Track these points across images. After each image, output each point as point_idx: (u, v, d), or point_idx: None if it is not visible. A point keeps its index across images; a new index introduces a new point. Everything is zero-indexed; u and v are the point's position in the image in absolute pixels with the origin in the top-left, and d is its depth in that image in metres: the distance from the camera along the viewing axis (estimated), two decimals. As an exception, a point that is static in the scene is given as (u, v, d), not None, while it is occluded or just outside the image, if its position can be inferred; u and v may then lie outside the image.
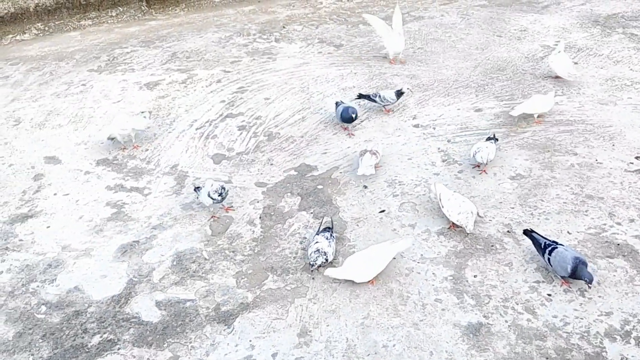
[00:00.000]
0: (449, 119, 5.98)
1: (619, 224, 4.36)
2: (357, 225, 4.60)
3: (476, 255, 4.20)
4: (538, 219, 4.49)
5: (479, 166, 5.05)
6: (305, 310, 3.86)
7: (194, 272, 4.22)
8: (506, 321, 3.65)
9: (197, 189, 4.75)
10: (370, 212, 4.73)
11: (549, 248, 3.90)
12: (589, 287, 3.76)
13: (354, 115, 5.62)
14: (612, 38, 7.48)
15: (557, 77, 6.50)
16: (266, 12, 9.48)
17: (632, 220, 4.38)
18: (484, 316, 3.71)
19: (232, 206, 4.85)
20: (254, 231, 4.62)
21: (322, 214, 4.75)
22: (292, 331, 3.71)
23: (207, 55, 7.87)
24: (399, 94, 6.04)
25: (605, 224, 4.37)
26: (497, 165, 5.16)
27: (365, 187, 5.04)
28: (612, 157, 5.14)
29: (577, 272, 3.70)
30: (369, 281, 3.98)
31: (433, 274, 4.08)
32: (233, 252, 4.41)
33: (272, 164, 5.45)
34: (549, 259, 3.89)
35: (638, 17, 8.08)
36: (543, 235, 4.06)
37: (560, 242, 3.99)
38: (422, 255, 4.25)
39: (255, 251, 4.40)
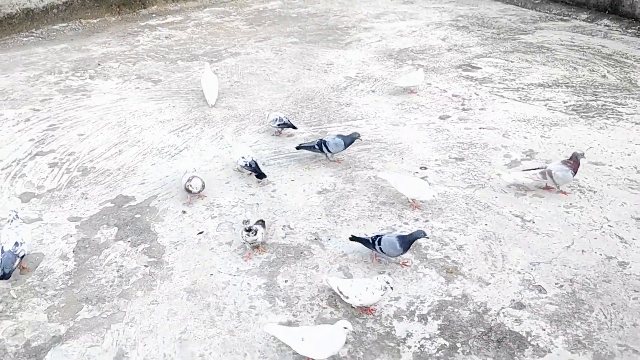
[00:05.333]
0: (264, 145, 6.40)
1: (406, 223, 5.04)
2: (176, 249, 4.73)
3: (287, 263, 4.57)
4: (340, 225, 5.02)
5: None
6: (122, 334, 3.89)
7: (1, 312, 4.02)
8: (312, 316, 4.04)
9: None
10: (189, 235, 4.90)
11: (377, 239, 4.37)
12: (427, 237, 4.49)
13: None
14: (403, 69, 8.56)
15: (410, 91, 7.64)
16: (80, 50, 9.29)
17: (416, 219, 5.09)
18: (293, 315, 4.06)
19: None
20: (67, 265, 4.53)
21: (139, 241, 4.81)
22: (108, 355, 3.72)
23: (13, 95, 7.51)
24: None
25: (395, 224, 5.02)
26: (306, 182, 5.66)
27: (184, 212, 5.20)
28: (402, 168, 5.91)
29: (408, 242, 4.31)
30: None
31: (248, 284, 4.36)
32: (44, 288, 4.29)
33: (86, 198, 5.38)
34: (380, 248, 4.37)
35: (424, 51, 9.35)
36: (364, 236, 4.55)
37: (381, 233, 4.52)
38: (237, 268, 4.51)
39: (69, 284, 4.33)
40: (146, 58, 8.99)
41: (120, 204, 5.31)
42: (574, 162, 5.25)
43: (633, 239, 4.82)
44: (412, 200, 5.20)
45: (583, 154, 5.32)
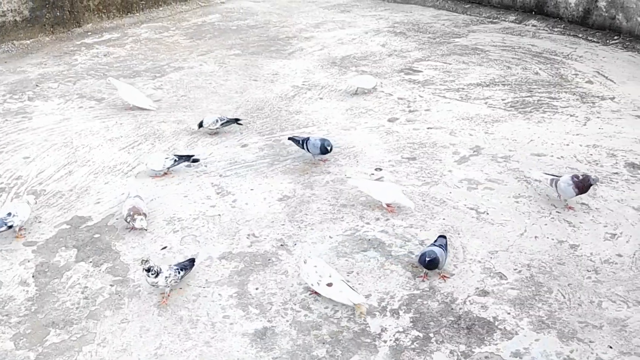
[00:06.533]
0: (219, 156, 6.39)
1: (368, 223, 5.17)
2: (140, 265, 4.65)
3: (256, 271, 4.60)
4: (305, 230, 5.08)
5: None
6: (94, 355, 3.80)
7: (-39, 345, 3.84)
8: (287, 320, 4.08)
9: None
10: (153, 251, 4.84)
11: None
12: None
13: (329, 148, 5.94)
14: (347, 75, 8.75)
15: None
16: (15, 72, 8.95)
17: (377, 219, 5.23)
18: (268, 321, 4.08)
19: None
20: (27, 291, 4.38)
21: (102, 261, 4.71)
22: (82, 379, 3.62)
23: (-53, 121, 7.16)
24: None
25: (357, 225, 5.14)
26: (265, 190, 5.69)
27: (145, 229, 5.12)
28: (358, 170, 6.05)
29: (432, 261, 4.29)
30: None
31: (219, 294, 4.35)
32: (7, 315, 4.14)
33: (40, 222, 5.20)
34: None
35: (366, 57, 9.58)
36: (436, 243, 4.51)
37: (436, 243, 4.50)
38: (206, 280, 4.49)
39: (32, 310, 4.19)
40: (86, 77, 8.77)
41: (77, 225, 5.17)
42: (582, 180, 5.04)
43: (580, 222, 5.14)
44: (387, 205, 5.31)
45: (597, 179, 5.12)
